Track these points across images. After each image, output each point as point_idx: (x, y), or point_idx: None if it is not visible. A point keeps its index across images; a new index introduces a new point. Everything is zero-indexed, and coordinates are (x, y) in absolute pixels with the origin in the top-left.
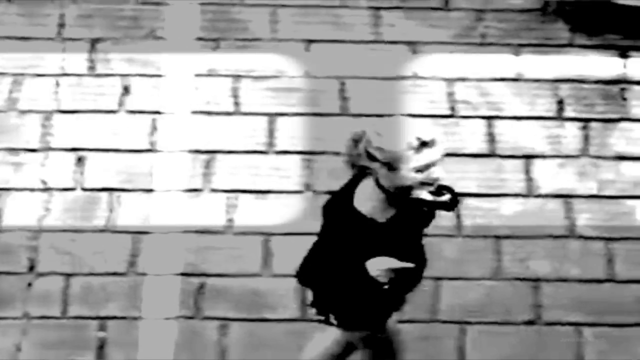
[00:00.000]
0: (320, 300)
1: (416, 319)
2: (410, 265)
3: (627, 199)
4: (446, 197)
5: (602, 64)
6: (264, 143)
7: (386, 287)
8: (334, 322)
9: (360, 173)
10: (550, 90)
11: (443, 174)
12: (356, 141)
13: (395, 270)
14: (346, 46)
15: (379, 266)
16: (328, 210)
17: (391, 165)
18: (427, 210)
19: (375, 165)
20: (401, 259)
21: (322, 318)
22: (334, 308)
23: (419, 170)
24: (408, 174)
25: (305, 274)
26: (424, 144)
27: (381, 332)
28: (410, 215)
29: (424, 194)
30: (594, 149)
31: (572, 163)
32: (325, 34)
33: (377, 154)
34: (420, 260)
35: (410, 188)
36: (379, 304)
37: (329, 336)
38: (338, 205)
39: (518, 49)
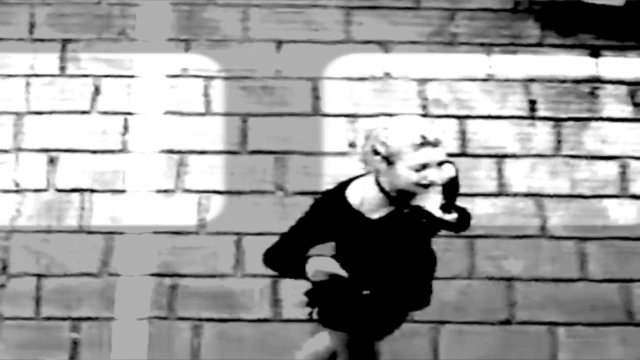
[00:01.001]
0: (312, 293)
1: None
2: (342, 273)
3: (599, 198)
4: (452, 216)
5: (574, 63)
6: (236, 143)
7: (365, 292)
8: (316, 317)
9: (367, 172)
10: (521, 90)
11: (440, 177)
12: (367, 138)
13: (328, 274)
14: (317, 46)
15: (313, 265)
16: (318, 201)
17: (389, 160)
18: (430, 224)
19: (376, 160)
20: (389, 262)
21: (309, 311)
22: (319, 303)
23: (415, 169)
24: (403, 171)
25: (274, 255)
26: (425, 143)
27: (360, 338)
28: (405, 219)
29: (430, 206)
30: (566, 148)
31: (544, 162)
32: (297, 34)
33: (380, 148)
34: (412, 269)
35: (409, 192)
36: (358, 307)
37: (321, 341)
38: (329, 196)
39: (489, 48)
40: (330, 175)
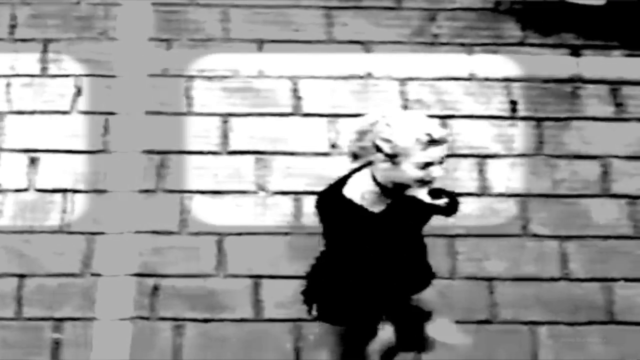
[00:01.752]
0: (307, 290)
1: None
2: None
3: (581, 198)
4: (442, 201)
5: (555, 63)
6: (217, 143)
7: (366, 284)
8: (315, 313)
9: (360, 167)
10: (503, 90)
11: (441, 173)
12: (362, 133)
13: (375, 268)
14: (299, 46)
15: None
16: (320, 202)
17: (394, 158)
18: (421, 212)
19: (378, 157)
20: (395, 254)
21: (307, 308)
22: (318, 299)
23: (420, 167)
24: (409, 169)
25: (314, 275)
26: (432, 142)
27: (359, 328)
28: (404, 210)
29: (421, 194)
30: (547, 148)
31: (526, 162)
32: (278, 33)
33: (384, 145)
34: (412, 260)
35: (406, 185)
36: (362, 299)
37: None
38: (329, 195)
39: (470, 48)
40: (311, 175)
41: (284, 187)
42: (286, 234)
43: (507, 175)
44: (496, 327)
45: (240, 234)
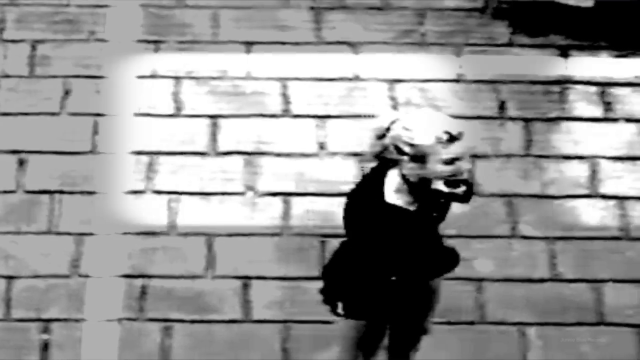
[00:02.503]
0: (329, 289)
1: None
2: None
3: (569, 199)
4: (461, 189)
5: (544, 64)
6: (206, 145)
7: (393, 278)
8: (341, 311)
9: (382, 165)
10: (491, 91)
11: (469, 166)
12: (381, 136)
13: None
14: (287, 47)
15: None
16: (358, 208)
17: (420, 159)
18: (443, 202)
19: (403, 160)
20: (426, 251)
21: (330, 307)
22: (343, 297)
23: (447, 163)
24: (436, 167)
25: (333, 275)
26: (451, 139)
27: (385, 322)
28: (432, 206)
29: (440, 185)
30: (536, 148)
31: (515, 163)
32: (267, 35)
33: (406, 149)
34: (435, 255)
35: (429, 179)
36: (388, 295)
37: None
38: (370, 201)
39: (459, 49)
40: (300, 176)
41: (272, 188)
42: (275, 235)
43: (495, 176)
44: (485, 328)
45: (228, 235)
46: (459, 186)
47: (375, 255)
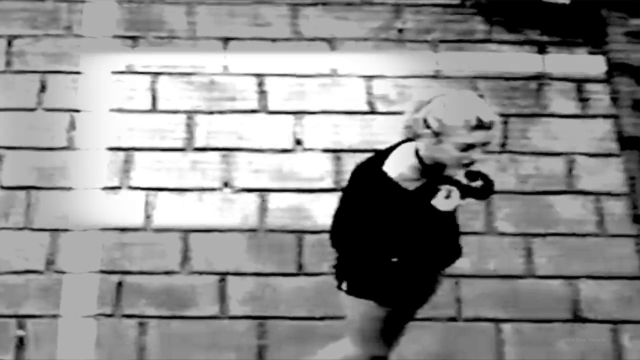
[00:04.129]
0: (339, 265)
1: (337, 314)
2: None
3: (546, 195)
4: (478, 183)
5: (521, 60)
6: (182, 140)
7: (394, 259)
8: (345, 288)
9: (401, 142)
10: (468, 87)
11: (481, 156)
12: (419, 107)
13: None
14: (264, 43)
15: None
16: (357, 172)
17: (439, 136)
18: (460, 194)
19: (426, 133)
20: (425, 233)
21: (337, 283)
22: (348, 274)
23: (462, 149)
24: (450, 149)
25: (336, 235)
26: (480, 126)
27: (388, 306)
28: (435, 190)
29: (458, 175)
30: (512, 144)
31: (491, 158)
32: (244, 30)
33: (432, 122)
34: (442, 240)
35: (445, 165)
36: (389, 274)
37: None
38: (366, 168)
39: (436, 44)
40: (276, 172)
41: (249, 184)
42: (251, 230)
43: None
44: (461, 324)
45: (205, 230)
46: (476, 179)
47: (372, 230)
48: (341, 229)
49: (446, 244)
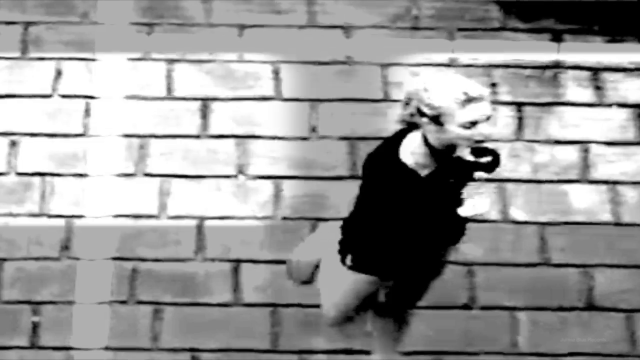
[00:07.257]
0: (343, 240)
1: None
2: None
3: (561, 183)
4: (486, 159)
5: (536, 48)
6: (198, 127)
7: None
8: (349, 263)
9: (407, 128)
10: (483, 74)
11: (491, 130)
12: (408, 100)
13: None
14: (280, 30)
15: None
16: (371, 162)
17: (438, 121)
18: (465, 170)
19: (424, 122)
20: (435, 211)
21: (341, 257)
22: (353, 249)
23: (465, 126)
24: (454, 129)
25: (348, 228)
26: (470, 100)
27: (390, 281)
28: (450, 173)
29: (465, 154)
30: (527, 132)
31: (506, 146)
32: (259, 18)
33: (426, 110)
34: (451, 220)
35: (454, 146)
36: (395, 251)
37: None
38: (383, 157)
39: (451, 32)
40: (292, 159)
41: (264, 171)
42: (266, 218)
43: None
44: (475, 313)
45: (220, 217)
46: (483, 155)
47: (384, 213)
48: (359, 218)
49: (452, 224)
